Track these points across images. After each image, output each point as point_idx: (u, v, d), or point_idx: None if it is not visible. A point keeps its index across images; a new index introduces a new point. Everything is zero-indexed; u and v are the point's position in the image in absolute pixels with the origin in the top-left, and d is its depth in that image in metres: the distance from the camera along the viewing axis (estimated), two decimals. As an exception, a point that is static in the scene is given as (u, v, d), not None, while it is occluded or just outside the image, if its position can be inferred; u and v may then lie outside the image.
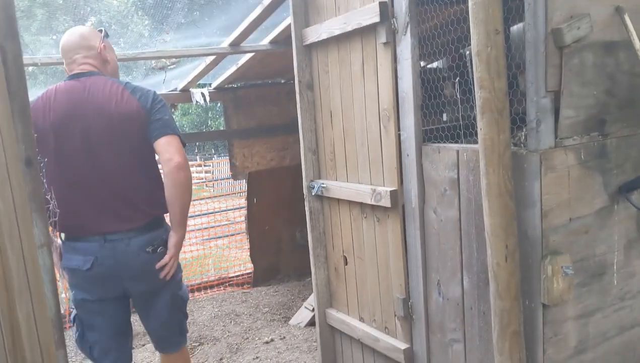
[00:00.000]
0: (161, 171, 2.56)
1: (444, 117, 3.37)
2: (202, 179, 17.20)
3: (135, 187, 2.54)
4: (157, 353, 3.10)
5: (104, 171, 2.49)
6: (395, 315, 3.13)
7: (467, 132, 2.74)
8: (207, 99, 5.74)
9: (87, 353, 2.66)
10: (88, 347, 2.63)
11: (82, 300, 2.61)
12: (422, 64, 3.92)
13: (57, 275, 3.62)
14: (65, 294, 5.46)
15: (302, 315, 4.70)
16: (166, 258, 2.57)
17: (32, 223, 1.45)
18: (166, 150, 2.45)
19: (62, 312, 5.15)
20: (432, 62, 4.19)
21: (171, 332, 2.79)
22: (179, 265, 2.74)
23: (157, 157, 2.61)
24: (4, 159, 1.35)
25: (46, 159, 2.43)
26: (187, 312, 2.93)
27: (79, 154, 2.47)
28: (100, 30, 2.69)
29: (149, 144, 2.51)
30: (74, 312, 2.65)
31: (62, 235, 2.60)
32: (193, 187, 2.63)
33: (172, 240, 2.59)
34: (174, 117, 2.94)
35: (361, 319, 3.48)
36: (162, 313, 2.72)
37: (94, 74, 2.57)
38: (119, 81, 2.61)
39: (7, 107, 1.39)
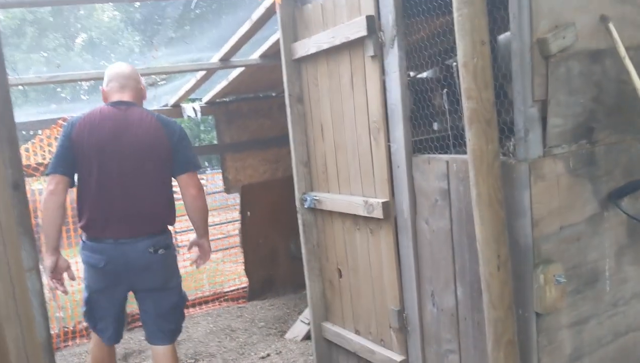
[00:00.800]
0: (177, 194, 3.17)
1: (435, 126, 3.38)
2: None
3: (152, 205, 3.05)
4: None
5: (129, 190, 2.97)
6: (390, 327, 3.12)
7: (456, 143, 2.75)
8: (199, 113, 5.74)
9: (92, 326, 3.22)
10: (94, 322, 3.18)
11: (94, 289, 3.10)
12: (412, 74, 3.94)
13: (50, 296, 3.61)
14: (59, 313, 5.43)
15: (298, 329, 4.68)
16: (204, 257, 3.32)
17: (20, 247, 1.44)
18: (186, 184, 3.05)
19: (58, 330, 5.13)
20: (421, 72, 4.21)
21: (167, 326, 3.16)
22: (179, 272, 3.24)
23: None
24: (-9, 183, 1.34)
25: (84, 172, 2.97)
26: (182, 327, 3.32)
27: (113, 174, 2.95)
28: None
29: (169, 171, 3.06)
30: (86, 294, 3.16)
31: (84, 235, 3.07)
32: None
33: (204, 246, 3.29)
34: None
35: (357, 332, 3.47)
36: (161, 307, 3.13)
37: (133, 105, 3.05)
38: (152, 113, 3.08)
39: (-7, 131, 1.38)
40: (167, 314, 3.15)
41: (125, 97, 3.06)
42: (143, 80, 3.25)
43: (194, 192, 3.08)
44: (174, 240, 3.41)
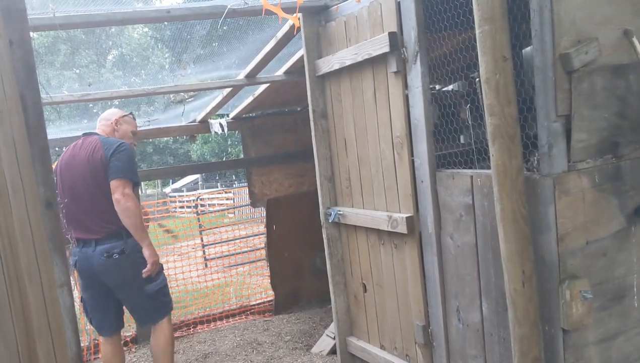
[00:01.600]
0: None
1: (462, 139, 3.38)
2: (224, 206, 17.34)
3: (98, 210, 3.46)
4: None
5: (80, 200, 3.47)
6: (415, 342, 3.11)
7: (480, 157, 2.75)
8: (225, 129, 5.82)
9: (89, 321, 3.68)
10: (89, 318, 3.67)
11: (82, 289, 3.63)
12: (437, 87, 3.95)
13: (81, 309, 3.73)
14: (90, 327, 5.53)
15: (324, 343, 4.68)
16: (148, 266, 3.48)
17: (52, 263, 1.49)
18: (112, 190, 3.39)
19: (88, 343, 5.22)
20: (447, 85, 4.22)
21: (143, 312, 3.64)
22: (147, 266, 3.49)
23: None
24: (24, 202, 1.40)
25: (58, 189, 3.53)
26: (170, 301, 3.74)
27: (69, 188, 3.51)
28: (130, 112, 3.89)
29: (108, 181, 3.43)
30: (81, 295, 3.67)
31: None
32: (215, 214, 4.05)
33: (144, 252, 3.48)
34: (195, 145, 4.28)
35: (382, 347, 3.47)
36: (132, 300, 3.58)
37: (93, 135, 3.60)
38: (100, 138, 3.55)
39: (28, 152, 1.44)
40: (137, 304, 3.61)
41: (95, 130, 3.72)
42: (120, 115, 3.79)
43: (117, 196, 3.36)
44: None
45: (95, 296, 3.57)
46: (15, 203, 1.36)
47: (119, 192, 3.36)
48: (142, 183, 6.32)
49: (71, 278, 4.40)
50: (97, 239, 3.44)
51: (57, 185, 3.55)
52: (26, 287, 1.32)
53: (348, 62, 3.20)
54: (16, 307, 1.26)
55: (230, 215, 15.55)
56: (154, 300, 3.59)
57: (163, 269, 3.73)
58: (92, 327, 3.73)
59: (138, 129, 4.15)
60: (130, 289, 3.52)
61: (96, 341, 5.29)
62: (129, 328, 5.59)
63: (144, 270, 3.47)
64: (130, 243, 3.46)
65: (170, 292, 3.82)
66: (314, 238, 5.51)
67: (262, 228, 8.80)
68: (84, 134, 3.64)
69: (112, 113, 3.80)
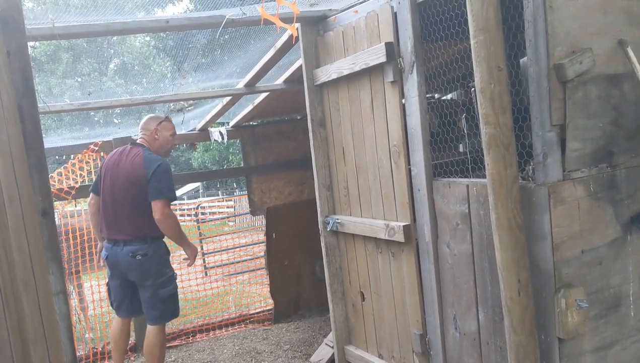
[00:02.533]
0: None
1: (460, 148, 3.39)
2: (224, 214, 17.31)
3: (130, 218, 3.91)
4: None
5: (117, 204, 3.94)
6: (413, 351, 3.11)
7: (476, 166, 2.77)
8: (225, 137, 5.84)
9: (111, 303, 4.23)
10: (111, 300, 4.20)
11: (108, 276, 4.16)
12: (437, 96, 3.97)
13: (80, 317, 3.77)
14: (88, 334, 5.53)
15: (323, 352, 4.68)
16: (190, 258, 4.16)
17: (48, 271, 1.50)
18: (154, 209, 3.79)
19: (87, 352, 5.22)
20: (446, 94, 4.24)
21: (150, 311, 4.01)
22: (166, 274, 4.00)
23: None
24: (20, 211, 1.41)
25: (100, 191, 4.08)
26: (177, 309, 4.14)
27: (108, 190, 3.98)
28: (166, 117, 4.23)
29: (145, 195, 3.83)
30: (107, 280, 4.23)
31: None
32: (216, 222, 4.66)
33: (186, 252, 4.13)
34: (196, 153, 4.69)
35: (380, 355, 3.47)
36: (145, 298, 4.00)
37: (138, 146, 4.04)
38: (144, 154, 3.94)
39: (25, 162, 1.46)
40: (148, 303, 3.98)
41: (139, 140, 4.11)
42: (158, 121, 4.14)
43: (157, 216, 3.79)
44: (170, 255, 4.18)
45: (119, 285, 4.09)
46: (11, 212, 1.37)
47: (159, 212, 3.78)
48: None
49: (83, 324, 5.23)
50: (125, 240, 3.91)
51: (99, 181, 4.12)
52: (21, 296, 1.33)
53: (346, 72, 3.23)
54: (11, 315, 1.27)
55: (231, 224, 15.55)
56: (164, 303, 4.00)
57: (176, 278, 4.15)
58: (112, 308, 4.31)
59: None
60: (147, 287, 3.97)
61: (95, 349, 5.29)
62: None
63: (183, 258, 4.17)
64: (153, 247, 3.94)
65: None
66: (313, 247, 5.50)
67: (262, 236, 8.80)
68: (132, 144, 4.12)
69: (151, 121, 4.16)
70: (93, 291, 5.69)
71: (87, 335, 5.54)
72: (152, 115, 4.24)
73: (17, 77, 1.49)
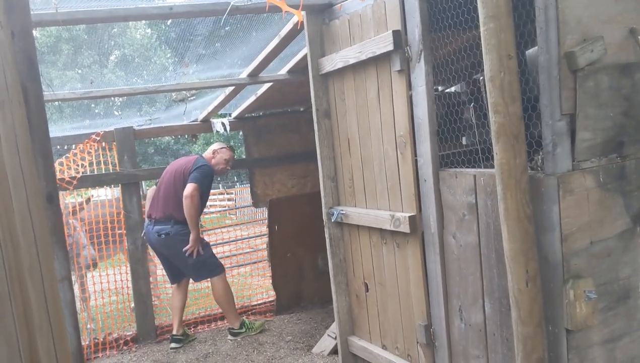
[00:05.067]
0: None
1: (464, 141, 3.36)
2: (225, 207, 17.28)
3: (166, 199, 4.87)
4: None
5: (164, 189, 4.91)
6: (417, 343, 3.09)
7: (484, 157, 2.74)
8: (228, 128, 5.80)
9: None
10: (164, 271, 5.23)
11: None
12: (440, 88, 3.93)
13: (82, 307, 3.73)
14: (90, 325, 5.51)
15: (325, 344, 4.66)
16: (189, 245, 4.80)
17: (52, 257, 1.48)
18: (186, 189, 4.73)
19: (88, 342, 5.21)
20: (449, 86, 4.20)
21: (190, 274, 5.07)
22: (199, 251, 4.84)
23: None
24: (25, 195, 1.38)
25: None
26: (216, 267, 5.05)
27: (162, 180, 5.01)
28: (230, 146, 5.32)
29: (184, 185, 4.78)
30: None
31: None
32: (216, 215, 5.50)
33: (191, 236, 4.78)
34: (197, 145, 6.12)
35: (383, 347, 3.45)
36: (180, 266, 4.99)
37: (198, 155, 5.09)
38: (199, 158, 5.02)
39: (29, 145, 1.43)
40: (185, 269, 5.01)
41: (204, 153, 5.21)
42: (219, 148, 5.20)
43: (185, 193, 4.70)
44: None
45: (159, 257, 5.13)
46: (16, 196, 1.34)
47: (188, 190, 4.68)
48: (143, 183, 6.39)
49: (84, 314, 5.70)
50: (156, 219, 4.85)
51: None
52: (27, 282, 1.31)
53: (352, 61, 3.19)
54: (17, 302, 1.24)
55: (232, 216, 15.52)
56: (195, 268, 4.92)
57: (208, 246, 5.05)
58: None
59: (140, 128, 5.49)
60: (176, 259, 4.92)
61: (96, 340, 5.28)
62: (130, 327, 5.58)
63: (184, 248, 4.77)
64: (175, 229, 4.81)
65: (216, 259, 5.13)
66: (316, 240, 5.48)
67: (263, 229, 8.78)
68: (199, 155, 5.14)
69: (216, 145, 5.26)
70: (95, 281, 5.67)
71: (88, 326, 5.52)
72: (220, 143, 5.31)
73: (21, 58, 1.46)
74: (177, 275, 5.10)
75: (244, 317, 5.37)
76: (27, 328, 1.27)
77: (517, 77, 2.16)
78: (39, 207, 1.44)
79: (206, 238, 5.92)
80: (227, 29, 5.07)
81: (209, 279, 5.06)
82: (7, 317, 1.19)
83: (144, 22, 16.84)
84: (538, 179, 2.25)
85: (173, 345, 5.07)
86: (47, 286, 1.42)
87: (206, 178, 4.87)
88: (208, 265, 4.96)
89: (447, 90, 4.19)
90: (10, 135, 1.35)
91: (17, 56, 1.44)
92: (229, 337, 5.15)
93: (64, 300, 1.50)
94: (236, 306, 5.38)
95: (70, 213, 5.40)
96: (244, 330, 5.16)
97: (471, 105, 2.87)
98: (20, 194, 1.36)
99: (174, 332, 5.11)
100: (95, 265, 5.42)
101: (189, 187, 4.67)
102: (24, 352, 1.25)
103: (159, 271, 6.54)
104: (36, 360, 1.26)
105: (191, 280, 5.26)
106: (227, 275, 5.24)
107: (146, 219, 4.97)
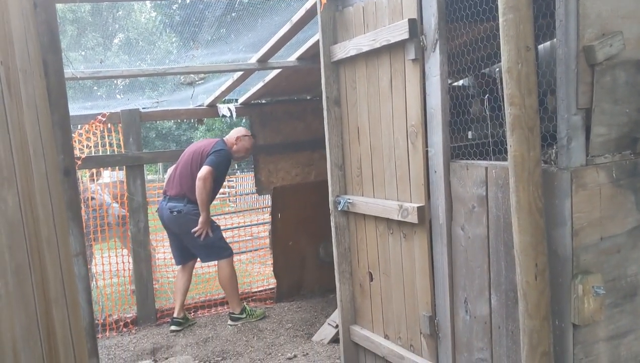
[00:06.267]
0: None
1: (469, 135, 3.36)
2: (226, 194, 17.26)
3: (182, 178, 4.99)
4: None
5: (181, 168, 5.04)
6: (421, 333, 3.10)
7: (495, 149, 2.73)
8: (234, 113, 5.79)
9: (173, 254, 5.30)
10: (171, 251, 5.32)
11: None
12: (449, 82, 3.92)
13: (93, 284, 3.74)
14: (99, 304, 5.52)
15: (326, 332, 4.67)
16: (198, 226, 4.90)
17: (68, 231, 1.47)
18: (200, 171, 4.82)
19: (96, 321, 5.22)
20: (457, 80, 4.19)
21: (199, 254, 5.18)
22: (208, 233, 4.95)
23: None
24: (44, 168, 1.37)
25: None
26: (225, 250, 5.15)
27: (181, 159, 5.13)
28: (253, 135, 5.46)
29: (201, 165, 4.88)
30: None
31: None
32: (217, 201, 4.82)
33: (201, 217, 4.88)
34: (198, 132, 6.43)
35: (386, 336, 3.45)
36: (190, 246, 5.09)
37: (220, 139, 5.19)
38: (219, 141, 5.12)
39: (49, 118, 1.42)
40: (193, 249, 5.10)
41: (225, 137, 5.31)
42: (241, 134, 5.23)
43: (199, 175, 4.79)
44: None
45: (169, 236, 5.22)
46: (36, 168, 1.34)
47: (202, 173, 4.79)
48: (144, 167, 6.43)
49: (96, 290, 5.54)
50: (170, 196, 4.99)
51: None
52: (45, 254, 1.30)
53: (365, 49, 3.17)
54: (35, 273, 1.24)
55: (232, 204, 15.51)
56: (205, 249, 5.02)
57: (219, 229, 5.14)
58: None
59: (147, 110, 5.62)
60: (186, 238, 5.00)
61: (96, 321, 5.29)
62: (130, 310, 5.59)
63: (193, 229, 4.87)
64: (187, 208, 4.92)
65: (225, 243, 5.23)
66: (318, 229, 5.50)
67: (264, 216, 8.78)
68: (221, 138, 5.25)
69: (242, 130, 5.28)
70: (96, 263, 5.68)
71: (102, 302, 5.53)
72: (244, 129, 5.33)
73: (42, 29, 1.44)
74: (185, 256, 5.17)
75: (245, 304, 5.38)
76: (45, 298, 1.26)
77: (535, 69, 2.15)
78: (56, 180, 1.43)
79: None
80: (233, 15, 5.04)
81: (216, 262, 5.15)
82: (27, 287, 1.18)
83: (149, 4, 16.76)
84: (551, 173, 2.25)
85: (173, 327, 5.09)
86: (63, 260, 1.41)
87: (222, 163, 4.96)
88: (216, 248, 5.05)
89: (455, 83, 4.17)
90: (31, 105, 1.34)
91: (39, 28, 1.43)
92: (229, 322, 5.16)
93: (78, 275, 1.49)
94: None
95: (89, 180, 5.63)
96: (244, 316, 5.18)
97: (485, 97, 2.85)
98: (40, 166, 1.36)
99: (175, 315, 5.15)
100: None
101: (204, 170, 4.76)
102: (41, 322, 1.25)
103: (159, 254, 6.56)
104: (52, 330, 1.25)
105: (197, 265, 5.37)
106: (228, 262, 5.25)
107: (162, 196, 5.15)
